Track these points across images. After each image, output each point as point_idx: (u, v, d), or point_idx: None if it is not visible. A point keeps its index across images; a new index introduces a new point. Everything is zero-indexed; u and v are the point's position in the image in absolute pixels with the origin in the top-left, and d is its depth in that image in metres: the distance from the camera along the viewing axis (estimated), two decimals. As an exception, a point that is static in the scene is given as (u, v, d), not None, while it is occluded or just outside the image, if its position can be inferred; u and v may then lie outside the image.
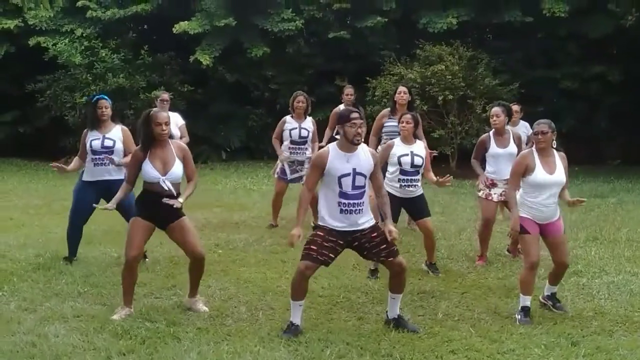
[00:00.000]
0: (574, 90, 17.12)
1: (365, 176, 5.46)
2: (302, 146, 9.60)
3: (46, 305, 6.15)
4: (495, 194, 7.79)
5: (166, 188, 5.75)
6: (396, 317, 5.71)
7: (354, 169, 5.41)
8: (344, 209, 5.42)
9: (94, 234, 8.10)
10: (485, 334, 5.53)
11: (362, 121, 5.50)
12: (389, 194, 6.31)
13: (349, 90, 10.61)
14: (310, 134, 9.61)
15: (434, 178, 7.33)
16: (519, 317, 5.90)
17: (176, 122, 9.86)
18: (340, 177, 5.40)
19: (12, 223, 10.20)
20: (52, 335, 5.40)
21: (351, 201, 5.41)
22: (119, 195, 6.07)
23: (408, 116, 7.34)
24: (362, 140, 5.51)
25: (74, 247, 7.83)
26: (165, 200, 5.70)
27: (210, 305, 6.16)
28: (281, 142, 9.67)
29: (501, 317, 5.97)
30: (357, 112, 5.53)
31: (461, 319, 5.93)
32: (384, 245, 5.51)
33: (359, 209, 5.45)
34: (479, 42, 17.85)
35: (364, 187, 5.47)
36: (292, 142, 9.57)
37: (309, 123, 9.66)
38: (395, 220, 6.88)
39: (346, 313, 6.08)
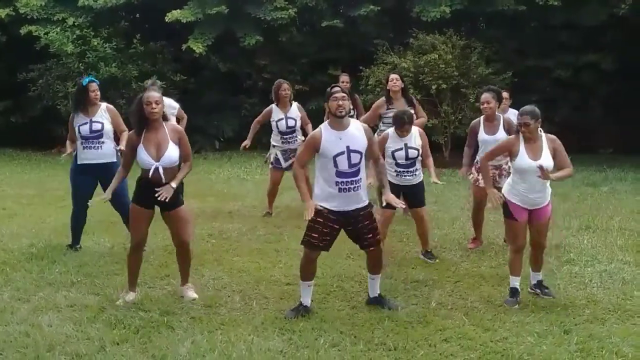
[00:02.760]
0: (567, 79, 17.11)
1: (360, 153, 5.52)
2: (292, 135, 9.64)
3: (39, 295, 6.15)
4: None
5: (161, 175, 5.73)
6: (376, 295, 5.96)
7: (348, 147, 5.48)
8: (342, 187, 5.51)
9: (88, 223, 8.06)
10: (478, 323, 5.56)
11: (343, 95, 5.53)
12: (389, 182, 6.42)
13: (344, 77, 10.63)
14: (298, 122, 9.62)
15: (433, 172, 7.38)
16: (506, 299, 6.06)
17: (171, 110, 9.80)
18: (335, 157, 5.47)
19: (4, 213, 10.17)
20: (46, 325, 5.41)
21: (349, 179, 5.50)
22: (113, 183, 6.07)
23: (408, 127, 7.26)
24: (347, 111, 5.56)
25: (77, 234, 7.86)
26: (158, 194, 5.67)
27: (203, 295, 6.17)
28: (263, 130, 9.75)
29: (494, 305, 5.99)
30: (337, 86, 5.63)
31: (454, 307, 5.95)
32: (370, 235, 5.71)
33: (357, 186, 5.55)
34: (472, 31, 17.77)
35: (359, 164, 5.53)
36: (280, 132, 9.60)
37: (294, 111, 9.66)
38: (394, 207, 6.96)
39: (340, 302, 6.10)
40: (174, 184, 5.77)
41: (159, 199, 5.67)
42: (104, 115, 7.56)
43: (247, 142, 9.86)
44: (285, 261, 7.34)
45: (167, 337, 5.20)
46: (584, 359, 4.88)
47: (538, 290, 6.23)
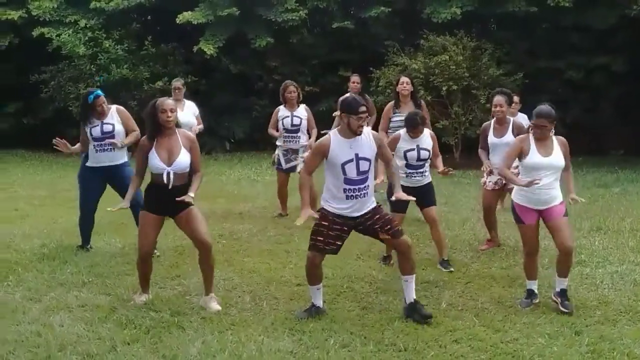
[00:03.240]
0: (578, 80, 17.05)
1: (369, 160, 5.51)
2: (295, 134, 9.62)
3: (51, 295, 6.19)
4: (490, 181, 7.84)
5: (170, 179, 5.73)
6: (412, 301, 5.70)
7: (357, 154, 5.46)
8: (349, 194, 5.49)
9: (99, 224, 8.10)
10: (488, 324, 5.54)
11: (367, 114, 5.53)
12: None
13: (355, 78, 10.62)
14: (303, 122, 9.61)
15: (440, 166, 7.33)
16: (521, 299, 6.01)
17: (193, 111, 9.98)
18: (343, 164, 5.44)
19: (16, 214, 10.23)
20: (57, 325, 5.44)
21: (356, 187, 5.48)
22: (130, 191, 6.07)
23: (420, 128, 7.26)
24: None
25: (87, 235, 7.89)
26: (179, 198, 5.70)
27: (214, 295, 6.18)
28: (277, 131, 9.73)
29: (505, 306, 5.97)
30: (365, 106, 5.50)
31: (465, 308, 5.94)
32: (388, 226, 5.62)
33: (365, 193, 5.52)
34: (483, 32, 17.76)
35: (367, 171, 5.51)
36: (285, 130, 9.61)
37: (302, 111, 9.67)
38: (404, 210, 6.98)
39: (350, 303, 6.09)
40: (192, 194, 5.79)
41: (178, 200, 5.69)
42: (114, 117, 7.59)
43: (280, 139, 9.76)
44: (295, 262, 7.35)
45: (177, 337, 5.22)
46: (595, 361, 4.87)
47: (558, 300, 5.93)
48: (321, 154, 5.54)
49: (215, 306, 5.93)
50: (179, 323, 5.50)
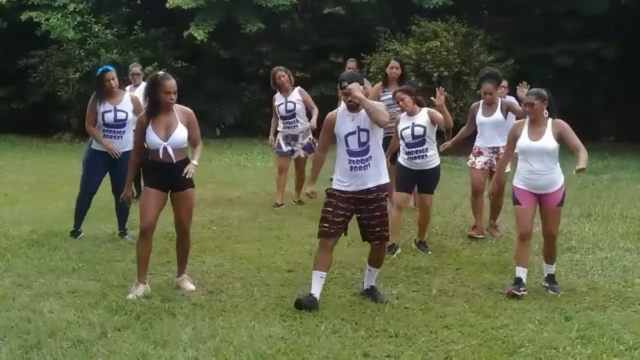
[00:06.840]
0: (570, 66, 17.07)
1: (368, 131, 5.60)
2: (292, 120, 9.51)
3: (41, 281, 6.14)
4: (479, 162, 7.87)
5: (170, 155, 5.73)
6: (369, 288, 5.90)
7: (358, 127, 5.60)
8: (352, 166, 5.61)
9: (89, 210, 8.06)
10: (479, 310, 5.56)
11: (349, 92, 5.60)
12: (402, 166, 7.13)
13: (351, 64, 10.60)
14: (298, 106, 9.50)
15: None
16: (509, 287, 5.97)
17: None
18: (346, 136, 5.63)
19: (6, 199, 10.16)
20: (47, 311, 5.40)
21: (358, 158, 5.60)
22: (129, 174, 6.04)
23: (398, 94, 7.35)
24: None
25: (81, 217, 7.79)
26: (184, 173, 5.72)
27: (205, 282, 6.18)
28: (264, 117, 9.69)
29: (495, 293, 5.99)
30: (346, 82, 5.62)
31: (455, 294, 5.96)
32: (379, 228, 5.70)
33: (366, 165, 5.61)
34: (474, 19, 17.73)
35: (367, 142, 5.59)
36: (281, 117, 9.54)
37: (295, 95, 9.56)
38: (410, 190, 7.39)
39: (341, 289, 6.10)
40: (195, 162, 5.85)
41: (187, 177, 5.73)
42: (128, 106, 7.53)
43: (271, 138, 9.78)
44: (286, 248, 7.34)
45: (168, 324, 5.20)
46: (585, 346, 4.87)
47: (547, 285, 6.09)
48: (329, 126, 5.73)
49: (189, 286, 6.00)
50: (170, 309, 5.48)
